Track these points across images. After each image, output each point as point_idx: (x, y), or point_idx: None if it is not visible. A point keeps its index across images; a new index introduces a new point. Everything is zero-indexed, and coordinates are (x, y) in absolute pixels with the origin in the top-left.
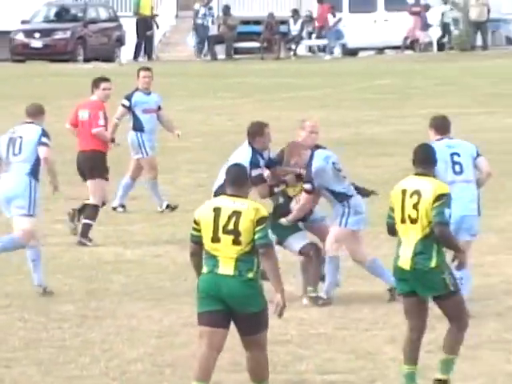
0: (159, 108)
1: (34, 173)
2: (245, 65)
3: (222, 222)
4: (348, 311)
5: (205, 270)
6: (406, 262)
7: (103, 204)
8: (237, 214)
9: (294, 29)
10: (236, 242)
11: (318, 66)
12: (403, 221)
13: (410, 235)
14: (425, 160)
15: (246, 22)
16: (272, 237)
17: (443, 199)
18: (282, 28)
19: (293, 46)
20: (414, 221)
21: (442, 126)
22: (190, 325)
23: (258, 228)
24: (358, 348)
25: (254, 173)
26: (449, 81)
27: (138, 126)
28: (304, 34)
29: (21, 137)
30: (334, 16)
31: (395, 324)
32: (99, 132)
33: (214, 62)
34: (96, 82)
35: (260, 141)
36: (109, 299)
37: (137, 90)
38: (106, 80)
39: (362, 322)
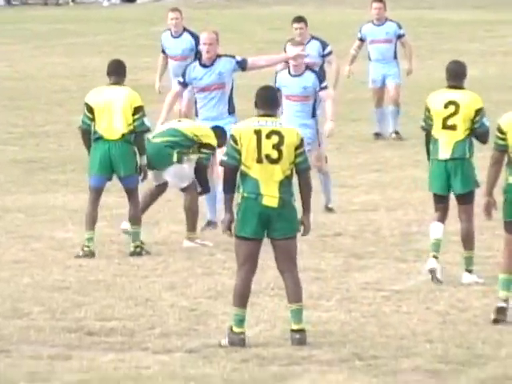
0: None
1: None
2: (25, 11)
3: None
4: (127, 258)
5: None
6: None
7: None
8: None
9: None
10: None
11: (97, 12)
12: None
13: None
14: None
15: None
16: None
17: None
18: None
19: None
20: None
21: None
22: None
23: None
24: (136, 295)
25: None
26: (228, 28)
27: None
28: None
29: None
30: None
31: (174, 271)
32: None
33: None
34: None
35: None
36: None
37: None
38: None
39: (140, 269)
